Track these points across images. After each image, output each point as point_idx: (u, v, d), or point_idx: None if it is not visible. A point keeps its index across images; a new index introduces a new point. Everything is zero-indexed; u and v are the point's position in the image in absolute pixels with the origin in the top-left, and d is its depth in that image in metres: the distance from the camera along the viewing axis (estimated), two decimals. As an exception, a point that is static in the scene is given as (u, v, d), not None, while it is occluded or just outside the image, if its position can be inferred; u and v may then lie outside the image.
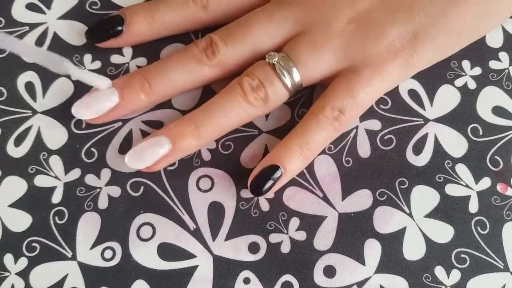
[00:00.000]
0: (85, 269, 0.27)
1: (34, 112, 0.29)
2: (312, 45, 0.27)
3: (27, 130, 0.29)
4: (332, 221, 0.28)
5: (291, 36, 0.28)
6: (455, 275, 0.27)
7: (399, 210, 0.28)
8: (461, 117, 0.30)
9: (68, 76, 0.30)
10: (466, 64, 0.31)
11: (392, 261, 0.27)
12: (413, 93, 0.30)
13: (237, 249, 0.27)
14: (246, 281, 0.27)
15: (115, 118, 0.28)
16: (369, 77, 0.27)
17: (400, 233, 0.27)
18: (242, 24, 0.28)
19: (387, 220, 0.28)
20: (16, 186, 0.28)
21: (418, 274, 0.27)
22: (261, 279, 0.27)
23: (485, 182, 0.28)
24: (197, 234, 0.27)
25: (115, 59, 0.30)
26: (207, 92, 0.30)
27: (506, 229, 0.27)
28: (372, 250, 0.27)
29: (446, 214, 0.28)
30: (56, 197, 0.28)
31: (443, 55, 0.29)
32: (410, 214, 0.28)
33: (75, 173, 0.28)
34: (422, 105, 0.30)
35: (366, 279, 0.27)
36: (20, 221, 0.27)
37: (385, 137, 0.29)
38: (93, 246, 0.27)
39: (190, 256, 0.27)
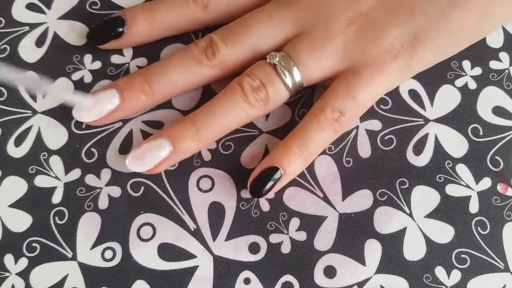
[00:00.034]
0: (86, 269, 0.27)
1: (34, 112, 0.29)
2: (313, 45, 0.27)
3: (27, 130, 0.29)
4: (333, 221, 0.28)
5: (291, 36, 0.28)
6: (456, 276, 0.27)
7: (399, 210, 0.28)
8: (462, 117, 0.30)
9: (68, 76, 0.30)
10: (466, 64, 0.31)
11: (392, 262, 0.27)
12: (413, 93, 0.30)
13: (237, 249, 0.27)
14: (247, 281, 0.27)
15: (115, 120, 0.28)
16: (369, 77, 0.27)
17: (401, 233, 0.27)
18: (242, 24, 0.28)
19: (387, 220, 0.28)
20: (16, 186, 0.28)
21: (418, 275, 0.27)
22: (261, 279, 0.27)
23: (486, 182, 0.28)
24: (197, 234, 0.27)
25: (115, 59, 0.30)
26: (207, 92, 0.30)
27: (507, 229, 0.27)
28: (373, 250, 0.27)
29: (446, 215, 0.28)
30: (56, 197, 0.28)
31: (443, 57, 0.29)
32: (410, 214, 0.28)
33: (75, 173, 0.28)
34: (422, 105, 0.30)
35: (367, 280, 0.27)
36: (20, 221, 0.27)
37: (386, 137, 0.29)
38: (93, 246, 0.27)
39: (191, 256, 0.27)
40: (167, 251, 0.27)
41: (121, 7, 0.31)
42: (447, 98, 0.30)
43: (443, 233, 0.27)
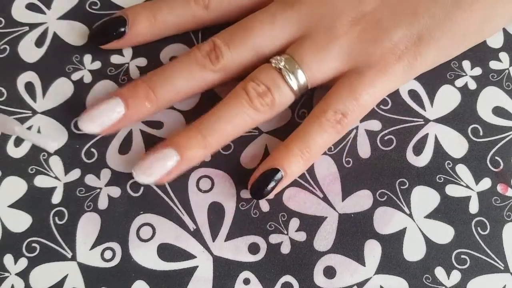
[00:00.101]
0: (85, 269, 0.27)
1: (34, 112, 0.29)
2: (317, 46, 0.27)
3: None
4: (332, 221, 0.28)
5: (294, 38, 0.27)
6: (456, 276, 0.27)
7: (399, 210, 0.28)
8: (462, 118, 0.30)
9: (68, 77, 0.30)
10: (466, 64, 0.31)
11: (392, 262, 0.27)
12: (413, 94, 0.30)
13: (237, 249, 0.27)
14: (246, 281, 0.27)
15: (121, 128, 0.28)
16: (372, 78, 0.26)
17: (400, 233, 0.27)
18: (245, 27, 0.28)
19: (387, 220, 0.28)
20: (16, 187, 0.28)
21: (418, 275, 0.27)
22: (261, 279, 0.27)
23: (486, 183, 0.28)
24: (197, 234, 0.27)
25: (115, 59, 0.30)
26: (207, 92, 0.30)
27: (507, 229, 0.27)
28: (372, 250, 0.27)
29: (446, 215, 0.28)
30: (56, 198, 0.28)
31: (446, 58, 0.29)
32: (410, 215, 0.28)
33: (75, 174, 0.28)
34: (422, 106, 0.30)
35: (366, 280, 0.27)
36: (20, 221, 0.27)
37: (385, 138, 0.29)
38: (93, 246, 0.27)
39: (190, 256, 0.27)
40: (167, 252, 0.27)
41: (121, 7, 0.31)
42: (447, 98, 0.30)
43: (443, 233, 0.27)
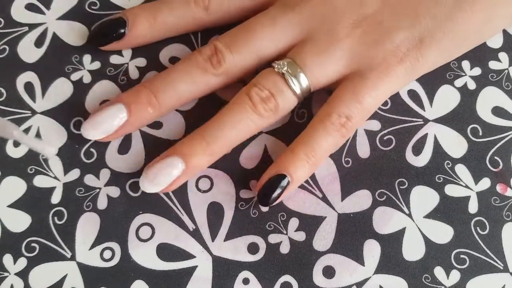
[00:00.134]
0: (84, 269, 0.27)
1: (34, 112, 0.29)
2: (318, 49, 0.27)
3: (27, 130, 0.29)
4: (332, 221, 0.28)
5: (296, 40, 0.27)
6: (455, 276, 0.27)
7: (398, 210, 0.28)
8: (461, 118, 0.30)
9: (67, 77, 0.30)
10: (465, 64, 0.31)
11: (391, 262, 0.27)
12: (412, 94, 0.30)
13: (236, 249, 0.27)
14: (246, 281, 0.27)
15: (124, 135, 0.28)
16: (375, 81, 0.26)
17: (400, 233, 0.27)
18: (246, 29, 0.28)
19: (386, 220, 0.28)
20: (15, 187, 0.28)
21: (417, 275, 0.27)
22: (260, 279, 0.27)
23: (485, 183, 0.28)
24: (196, 234, 0.27)
25: (114, 59, 0.30)
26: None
27: (506, 229, 0.27)
28: (372, 250, 0.27)
29: (445, 215, 0.28)
30: (56, 198, 0.28)
31: (447, 59, 0.29)
32: (409, 215, 0.28)
33: (75, 174, 0.28)
34: (421, 106, 0.30)
35: (366, 280, 0.27)
36: (19, 221, 0.27)
37: (385, 138, 0.29)
38: (92, 246, 0.27)
39: (189, 256, 0.27)
40: (166, 251, 0.27)
41: (120, 7, 0.31)
42: (447, 98, 0.30)
43: (442, 233, 0.27)
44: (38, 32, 0.31)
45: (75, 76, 0.30)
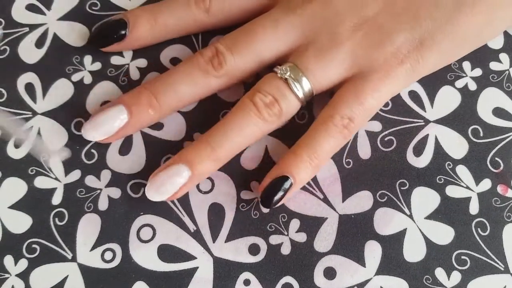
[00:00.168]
0: (85, 270, 0.27)
1: (34, 113, 0.29)
2: (320, 53, 0.27)
3: (27, 131, 0.29)
4: (333, 222, 0.28)
5: (297, 43, 0.27)
6: (456, 277, 0.27)
7: (399, 211, 0.28)
8: (462, 119, 0.30)
9: (68, 78, 0.30)
10: (466, 65, 0.31)
11: (392, 263, 0.27)
12: (413, 95, 0.30)
13: (237, 250, 0.27)
14: (247, 282, 0.27)
15: (124, 136, 0.28)
16: (377, 83, 0.27)
17: (401, 234, 0.27)
18: (248, 32, 0.28)
19: (387, 221, 0.28)
20: (16, 188, 0.28)
21: (418, 276, 0.27)
22: (261, 280, 0.27)
23: (486, 184, 0.28)
24: (197, 235, 0.27)
25: (115, 60, 0.30)
26: (207, 93, 0.30)
27: (507, 230, 0.27)
28: (373, 251, 0.27)
29: (446, 216, 0.28)
30: (56, 199, 0.28)
31: (448, 61, 0.29)
32: (410, 216, 0.28)
33: (75, 175, 0.28)
34: (422, 107, 0.30)
35: (367, 281, 0.27)
36: (20, 222, 0.27)
37: (386, 139, 0.29)
38: (93, 247, 0.27)
39: (190, 257, 0.27)
40: (167, 253, 0.27)
41: (121, 8, 0.31)
42: (447, 99, 0.30)
43: (443, 234, 0.27)
44: (38, 33, 0.31)
45: (75, 77, 0.30)
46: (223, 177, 0.28)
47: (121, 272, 0.26)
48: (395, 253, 0.27)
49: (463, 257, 0.27)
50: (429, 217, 0.28)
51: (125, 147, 0.29)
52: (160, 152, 0.29)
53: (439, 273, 0.27)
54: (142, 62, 0.30)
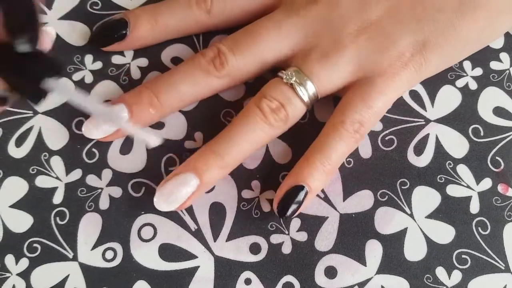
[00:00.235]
0: (86, 269, 0.27)
1: (35, 112, 0.29)
2: (324, 57, 0.27)
3: (28, 130, 0.29)
4: (333, 221, 0.28)
5: (300, 45, 0.27)
6: (456, 276, 0.27)
7: (400, 210, 0.28)
8: (462, 118, 0.30)
9: (69, 77, 0.30)
10: (467, 64, 0.31)
11: (393, 262, 0.27)
12: (414, 94, 0.30)
13: (238, 249, 0.27)
14: (247, 281, 0.27)
15: (125, 135, 0.28)
16: (383, 86, 0.27)
17: (401, 233, 0.27)
18: (250, 33, 0.28)
19: (388, 220, 0.28)
20: (17, 187, 0.28)
21: (419, 275, 0.27)
22: (262, 279, 0.27)
23: (486, 183, 0.28)
24: (198, 234, 0.27)
25: (116, 59, 0.30)
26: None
27: (507, 229, 0.28)
28: (373, 250, 0.27)
29: (447, 215, 0.28)
30: (57, 198, 0.28)
31: (449, 64, 0.30)
32: (411, 215, 0.28)
33: (76, 174, 0.28)
34: (423, 106, 0.30)
35: (367, 280, 0.27)
36: (21, 221, 0.27)
37: (386, 138, 0.29)
38: (94, 246, 0.27)
39: (191, 256, 0.27)
40: (168, 252, 0.27)
41: (121, 7, 0.31)
42: (448, 98, 0.30)
43: (444, 233, 0.27)
44: (39, 32, 0.31)
45: (77, 76, 0.30)
46: (224, 176, 0.28)
47: (122, 271, 0.26)
48: (395, 252, 0.27)
49: (463, 256, 0.27)
50: (430, 216, 0.28)
51: (126, 147, 0.29)
52: (161, 152, 0.29)
53: (440, 272, 0.27)
54: (143, 62, 0.30)
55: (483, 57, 0.31)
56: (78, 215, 0.27)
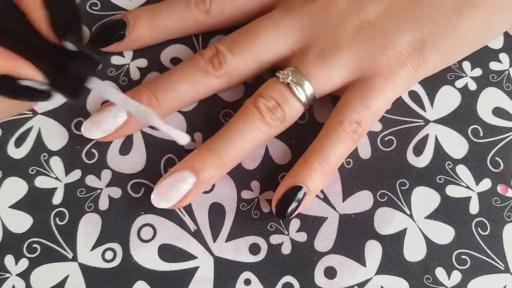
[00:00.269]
0: (86, 270, 0.27)
1: (35, 113, 0.29)
2: (322, 57, 0.27)
3: (28, 131, 0.29)
4: (333, 222, 0.28)
5: (298, 45, 0.27)
6: (456, 276, 0.27)
7: (399, 211, 0.28)
8: (462, 118, 0.30)
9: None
10: (466, 65, 0.31)
11: (392, 262, 0.27)
12: (413, 95, 0.30)
13: (237, 250, 0.27)
14: (247, 282, 0.27)
15: (124, 135, 0.28)
16: (381, 86, 0.27)
17: (401, 234, 0.27)
18: (248, 33, 0.28)
19: (387, 221, 0.28)
20: (16, 187, 0.28)
21: (418, 275, 0.27)
22: (261, 280, 0.27)
23: (486, 183, 0.28)
24: (197, 235, 0.27)
25: (115, 60, 0.30)
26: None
27: (507, 230, 0.28)
28: (373, 251, 0.27)
29: (446, 215, 0.28)
30: (57, 198, 0.28)
31: (448, 63, 0.30)
32: (410, 215, 0.28)
33: (76, 174, 0.28)
34: (422, 106, 0.30)
35: (367, 280, 0.27)
36: (21, 222, 0.27)
37: (386, 138, 0.29)
38: (94, 247, 0.27)
39: (191, 257, 0.27)
40: (168, 252, 0.27)
41: (121, 8, 0.31)
42: (447, 99, 0.30)
43: (444, 234, 0.27)
44: (39, 33, 0.31)
45: (76, 77, 0.30)
46: (224, 177, 0.28)
47: (122, 271, 0.26)
48: (395, 252, 0.27)
49: (463, 256, 0.27)
50: (429, 216, 0.28)
51: (126, 147, 0.29)
52: (161, 152, 0.29)
53: (440, 272, 0.27)
54: (142, 62, 0.30)
55: (482, 57, 0.31)
56: (78, 215, 0.27)
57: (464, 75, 0.30)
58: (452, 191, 0.28)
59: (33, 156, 0.28)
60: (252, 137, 0.26)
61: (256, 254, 0.27)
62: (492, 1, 0.27)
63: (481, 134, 0.29)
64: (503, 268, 0.27)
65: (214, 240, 0.27)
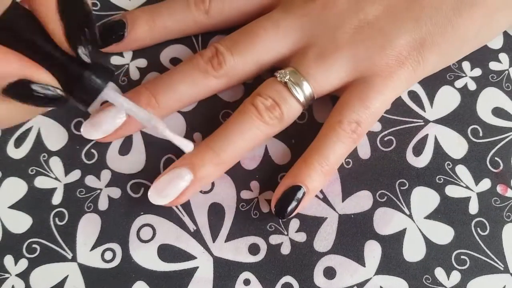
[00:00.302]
0: (85, 270, 0.27)
1: (34, 113, 0.29)
2: (320, 57, 0.27)
3: (27, 131, 0.29)
4: (332, 222, 0.28)
5: (297, 45, 0.27)
6: (455, 277, 0.27)
7: (399, 211, 0.28)
8: (461, 118, 0.30)
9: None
10: (466, 65, 0.31)
11: (392, 263, 0.27)
12: (413, 95, 0.30)
13: (237, 250, 0.27)
14: (246, 282, 0.27)
15: (123, 136, 0.28)
16: (380, 86, 0.27)
17: (400, 234, 0.27)
18: (248, 33, 0.28)
19: (387, 221, 0.28)
20: (16, 188, 0.28)
21: (418, 276, 0.27)
22: (261, 280, 0.27)
23: (485, 184, 0.28)
24: (197, 235, 0.27)
25: (115, 60, 0.30)
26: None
27: (506, 230, 0.28)
28: (372, 251, 0.27)
29: (446, 216, 0.28)
30: (56, 199, 0.28)
31: (447, 62, 0.30)
32: (410, 216, 0.28)
33: (75, 174, 0.28)
34: (422, 107, 0.30)
35: (366, 281, 0.27)
36: (20, 222, 0.27)
37: (385, 139, 0.29)
38: (93, 247, 0.27)
39: (190, 257, 0.27)
40: (167, 252, 0.27)
41: (120, 8, 0.31)
42: (447, 99, 0.30)
43: (443, 234, 0.27)
44: (38, 33, 0.31)
45: (75, 77, 0.30)
46: (223, 177, 0.28)
47: (121, 272, 0.26)
48: (394, 253, 0.27)
49: (462, 256, 0.27)
50: (429, 217, 0.28)
51: (125, 147, 0.29)
52: (160, 152, 0.29)
53: (439, 272, 0.27)
54: (142, 62, 0.30)
55: (482, 57, 0.31)
56: (77, 215, 0.27)
57: (463, 75, 0.30)
58: (452, 191, 0.28)
59: (32, 156, 0.28)
60: (250, 135, 0.26)
61: (256, 254, 0.27)
62: (491, 0, 0.27)
63: (481, 134, 0.29)
64: (502, 268, 0.27)
65: (214, 240, 0.27)
